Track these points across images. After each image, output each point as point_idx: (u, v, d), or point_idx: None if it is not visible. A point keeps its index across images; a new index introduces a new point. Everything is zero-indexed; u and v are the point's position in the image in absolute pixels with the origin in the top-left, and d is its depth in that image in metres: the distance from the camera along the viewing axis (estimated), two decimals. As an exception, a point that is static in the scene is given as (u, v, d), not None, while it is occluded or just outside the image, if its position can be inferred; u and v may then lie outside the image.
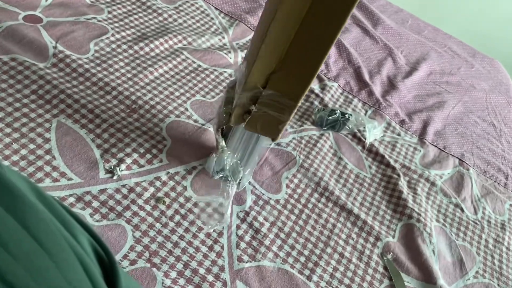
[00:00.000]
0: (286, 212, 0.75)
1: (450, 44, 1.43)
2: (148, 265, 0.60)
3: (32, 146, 0.66)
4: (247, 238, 0.69)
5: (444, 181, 0.94)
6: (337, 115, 0.91)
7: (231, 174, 0.71)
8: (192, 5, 1.07)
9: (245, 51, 1.02)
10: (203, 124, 0.82)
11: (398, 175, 0.89)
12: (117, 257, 0.59)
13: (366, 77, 1.11)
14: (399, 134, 1.00)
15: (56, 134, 0.69)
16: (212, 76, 0.92)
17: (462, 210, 0.89)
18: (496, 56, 1.51)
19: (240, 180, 0.73)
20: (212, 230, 0.67)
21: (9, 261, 0.25)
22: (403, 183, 0.88)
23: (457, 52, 1.41)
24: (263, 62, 0.54)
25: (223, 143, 0.68)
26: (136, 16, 0.96)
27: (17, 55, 0.76)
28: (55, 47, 0.80)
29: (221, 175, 0.73)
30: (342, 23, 0.49)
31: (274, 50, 0.53)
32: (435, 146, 1.02)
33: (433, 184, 0.92)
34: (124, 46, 0.88)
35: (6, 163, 0.63)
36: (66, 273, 0.27)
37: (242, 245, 0.67)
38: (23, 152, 0.65)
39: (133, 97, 0.80)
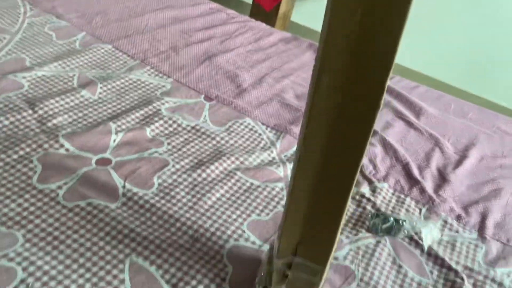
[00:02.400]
0: (350, 333, 0.75)
1: (498, 124, 1.42)
2: None
3: (109, 289, 0.73)
4: None
5: (512, 279, 0.91)
6: (391, 222, 0.93)
7: None
8: (241, 124, 1.16)
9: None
10: (260, 245, 0.86)
11: (462, 279, 0.88)
12: None
13: (416, 173, 1.13)
14: (457, 231, 0.99)
15: (129, 274, 0.76)
16: (265, 193, 0.98)
17: (537, 311, 0.85)
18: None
19: None
20: None
21: None
22: (468, 287, 0.86)
23: (507, 131, 1.40)
24: (289, 235, 0.61)
25: None
26: (192, 144, 1.06)
27: (92, 200, 0.86)
28: (123, 187, 0.90)
29: None
30: (351, 185, 0.55)
31: (296, 223, 0.60)
32: (498, 240, 0.99)
33: (500, 284, 0.89)
34: (184, 175, 0.96)
35: (88, 309, 0.69)
36: None
37: None
38: (102, 296, 0.72)
39: (195, 226, 0.86)
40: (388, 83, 0.47)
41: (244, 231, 0.88)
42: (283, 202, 0.96)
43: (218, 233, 0.87)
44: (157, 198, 0.90)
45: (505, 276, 0.91)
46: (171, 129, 1.09)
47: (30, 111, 1.02)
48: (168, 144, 1.04)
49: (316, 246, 0.61)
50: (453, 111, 1.44)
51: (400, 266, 0.89)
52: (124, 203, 0.87)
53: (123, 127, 1.05)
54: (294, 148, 1.13)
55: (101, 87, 1.15)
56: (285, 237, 0.62)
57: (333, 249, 0.61)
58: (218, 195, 0.95)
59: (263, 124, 1.19)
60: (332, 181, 0.56)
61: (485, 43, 2.51)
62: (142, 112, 1.10)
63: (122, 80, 1.20)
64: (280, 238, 0.63)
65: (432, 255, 0.92)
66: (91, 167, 0.92)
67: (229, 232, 0.87)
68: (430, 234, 0.94)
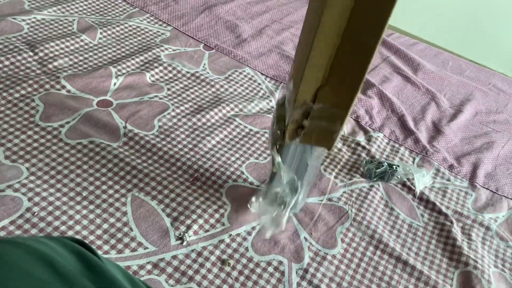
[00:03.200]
0: (343, 267, 0.79)
1: (495, 81, 1.44)
2: (220, 325, 0.66)
3: (112, 220, 0.75)
4: (308, 294, 0.73)
5: (499, 224, 0.95)
6: (384, 167, 0.95)
7: (289, 189, 0.74)
8: (241, 73, 1.17)
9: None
10: (258, 186, 0.89)
11: (451, 222, 0.91)
12: (192, 319, 0.66)
13: (411, 124, 1.15)
14: (449, 180, 1.03)
15: (131, 207, 0.78)
16: (263, 139, 1.00)
17: (521, 253, 0.90)
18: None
19: (298, 197, 0.76)
20: (274, 289, 0.73)
21: None
22: (456, 230, 0.90)
23: (502, 88, 1.42)
24: (310, 79, 0.57)
25: (279, 159, 0.70)
26: (192, 90, 1.07)
27: (94, 138, 0.87)
28: (125, 127, 0.91)
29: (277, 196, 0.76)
30: (384, 26, 0.52)
31: (319, 66, 0.56)
32: (487, 188, 1.03)
33: (488, 228, 0.93)
34: (184, 120, 0.98)
35: (92, 237, 0.72)
36: None
37: (304, 301, 0.72)
38: (105, 226, 0.74)
39: (195, 166, 0.89)
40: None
41: (243, 172, 0.91)
42: (280, 148, 0.99)
43: (218, 173, 0.89)
44: (158, 139, 0.92)
45: (492, 221, 0.95)
46: (171, 75, 1.09)
47: (31, 53, 1.02)
48: (168, 89, 1.05)
49: (340, 89, 0.58)
50: (450, 68, 1.45)
51: (392, 209, 0.92)
52: (126, 143, 0.89)
53: (123, 71, 1.05)
54: (293, 98, 1.14)
55: (101, 33, 1.15)
56: (305, 83, 0.57)
57: (357, 94, 0.59)
58: (217, 139, 0.97)
59: (262, 74, 1.20)
60: (365, 19, 0.51)
61: (484, 10, 2.48)
62: (142, 58, 1.11)
63: (122, 27, 1.19)
64: (299, 86, 0.58)
65: (423, 200, 0.96)
66: (93, 108, 0.94)
67: (228, 173, 0.90)
68: (422, 180, 0.97)
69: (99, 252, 0.69)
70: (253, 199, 0.76)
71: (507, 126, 1.25)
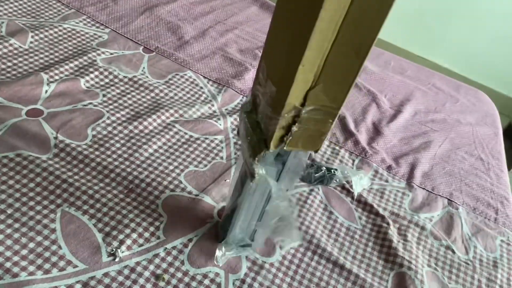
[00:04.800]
0: (280, 275, 0.79)
1: (434, 81, 1.49)
2: None
3: (39, 238, 0.72)
4: (243, 305, 0.73)
5: (434, 224, 0.98)
6: (323, 171, 0.96)
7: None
8: (182, 77, 1.15)
9: (234, 116, 1.08)
10: (197, 195, 0.87)
11: (388, 224, 0.93)
12: (122, 339, 0.64)
13: (351, 126, 1.16)
14: (387, 181, 1.05)
15: (61, 224, 0.75)
16: (204, 145, 0.99)
17: (453, 251, 0.93)
18: (489, 76, 1.55)
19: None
20: (210, 301, 0.72)
21: None
22: (393, 231, 0.92)
23: (441, 88, 1.46)
24: (301, 81, 0.54)
25: (262, 170, 0.65)
26: (129, 96, 1.04)
27: (22, 151, 0.83)
28: (55, 138, 0.88)
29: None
30: (384, 18, 0.49)
31: (311, 67, 0.52)
32: (423, 188, 1.06)
33: (423, 228, 0.96)
34: (120, 127, 0.95)
35: (16, 257, 0.69)
36: None
37: (239, 313, 0.72)
38: (31, 245, 0.71)
39: (130, 177, 0.86)
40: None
41: (181, 182, 0.89)
42: (221, 154, 0.98)
43: (154, 183, 0.87)
44: (91, 150, 0.89)
45: (427, 221, 0.98)
46: (107, 80, 1.06)
47: (-47, 59, 0.96)
48: (104, 95, 1.01)
49: (332, 89, 0.54)
50: (392, 68, 1.49)
51: (331, 212, 0.93)
52: (56, 154, 0.85)
53: (56, 77, 1.01)
54: (236, 102, 1.13)
55: (32, 36, 1.09)
56: (296, 86, 0.53)
57: (349, 93, 0.56)
58: (155, 147, 0.94)
59: (204, 77, 1.18)
60: (363, 11, 0.49)
61: (430, 5, 2.56)
62: (76, 62, 1.06)
63: (56, 29, 1.14)
64: (287, 90, 0.54)
65: (361, 202, 0.97)
66: (21, 118, 0.89)
67: (165, 182, 0.88)
68: (360, 182, 0.98)
69: (24, 275, 0.66)
70: (217, 252, 0.76)
71: (444, 125, 1.29)
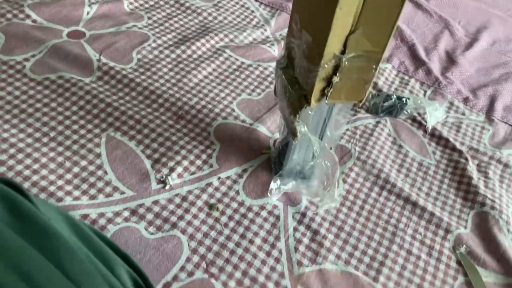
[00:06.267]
0: (345, 210, 0.71)
1: (514, 7, 1.30)
2: (206, 276, 0.59)
3: (84, 163, 0.67)
4: (305, 240, 0.66)
5: (519, 161, 0.85)
6: (393, 100, 0.85)
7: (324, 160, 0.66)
8: (231, 0, 1.04)
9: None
10: (251, 124, 0.79)
11: (466, 159, 0.82)
12: (175, 269, 0.59)
13: (422, 54, 1.03)
14: (463, 114, 0.93)
15: (106, 149, 0.69)
16: (257, 72, 0.89)
17: (542, 192, 0.81)
18: None
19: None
20: (268, 235, 0.65)
21: None
22: (472, 168, 0.81)
23: (523, 15, 1.28)
24: (339, 27, 0.49)
25: (304, 128, 0.61)
26: (176, 19, 0.95)
27: (63, 73, 0.77)
28: (99, 60, 0.81)
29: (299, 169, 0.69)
30: None
31: (349, 9, 0.47)
32: (506, 123, 0.93)
33: (506, 165, 0.84)
34: (167, 51, 0.87)
35: (60, 181, 0.64)
36: None
37: (301, 248, 0.65)
38: (76, 169, 0.66)
39: (179, 103, 0.79)
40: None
41: (233, 110, 0.81)
42: (276, 82, 0.88)
43: (205, 110, 0.79)
44: (136, 74, 0.81)
45: (511, 158, 0.85)
46: (151, 2, 0.97)
47: (-10, -21, 0.90)
48: (149, 18, 0.93)
49: (373, 32, 0.50)
50: (466, -7, 1.31)
51: (400, 146, 0.83)
52: (100, 77, 0.79)
53: (98, -1, 0.93)
54: (290, 27, 1.02)
55: (71, -43, 1.01)
56: (334, 33, 0.49)
57: (393, 34, 0.50)
58: (204, 72, 0.86)
59: (256, 0, 1.07)
60: None
61: None
62: (119, -17, 0.98)
63: (96, -50, 1.05)
64: (325, 38, 0.50)
65: (435, 136, 0.86)
66: (62, 39, 0.83)
67: (217, 110, 0.80)
68: (434, 114, 0.87)
69: (68, 199, 0.61)
70: (272, 185, 0.68)
71: (528, 55, 1.13)
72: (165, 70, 0.84)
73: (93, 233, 0.33)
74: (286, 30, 1.01)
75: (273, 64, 0.92)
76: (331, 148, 0.66)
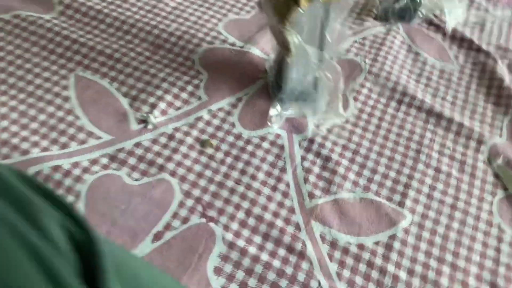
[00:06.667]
0: (359, 130, 0.61)
1: None
2: (204, 220, 0.51)
3: (51, 109, 0.58)
4: (316, 169, 0.57)
5: (556, 56, 0.74)
6: (405, 1, 0.73)
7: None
8: None
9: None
10: (241, 47, 0.68)
11: (495, 60, 0.71)
12: (166, 216, 0.50)
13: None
14: (487, 10, 0.80)
15: (76, 90, 0.60)
16: (244, -11, 0.77)
17: None
18: None
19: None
20: (273, 168, 0.56)
21: None
22: (502, 69, 0.70)
23: None
24: None
25: (297, 37, 0.52)
26: None
27: (19, 11, 0.67)
28: (59, -7, 0.70)
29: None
30: None
31: None
32: (538, 15, 0.80)
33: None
34: (136, -25, 0.75)
35: (25, 132, 0.55)
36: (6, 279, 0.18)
37: (311, 178, 0.56)
38: (42, 117, 0.57)
39: (156, 31, 0.68)
40: None
41: (220, 33, 0.70)
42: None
43: (187, 36, 0.68)
44: (104, 4, 0.70)
45: (547, 54, 0.74)
46: None
47: None
48: None
49: None
50: None
51: (417, 54, 0.72)
52: (62, 12, 0.68)
53: None
54: None
55: None
56: None
57: None
58: (183, -5, 0.75)
59: None
60: None
61: None
62: None
63: None
64: None
65: (456, 38, 0.74)
66: (14, -26, 0.71)
67: (200, 35, 0.69)
68: (454, 13, 0.74)
69: (36, 151, 0.53)
70: (271, 112, 0.60)
71: None
72: (137, -4, 0.72)
73: (21, 180, 0.24)
74: None
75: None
76: (331, 58, 0.56)
